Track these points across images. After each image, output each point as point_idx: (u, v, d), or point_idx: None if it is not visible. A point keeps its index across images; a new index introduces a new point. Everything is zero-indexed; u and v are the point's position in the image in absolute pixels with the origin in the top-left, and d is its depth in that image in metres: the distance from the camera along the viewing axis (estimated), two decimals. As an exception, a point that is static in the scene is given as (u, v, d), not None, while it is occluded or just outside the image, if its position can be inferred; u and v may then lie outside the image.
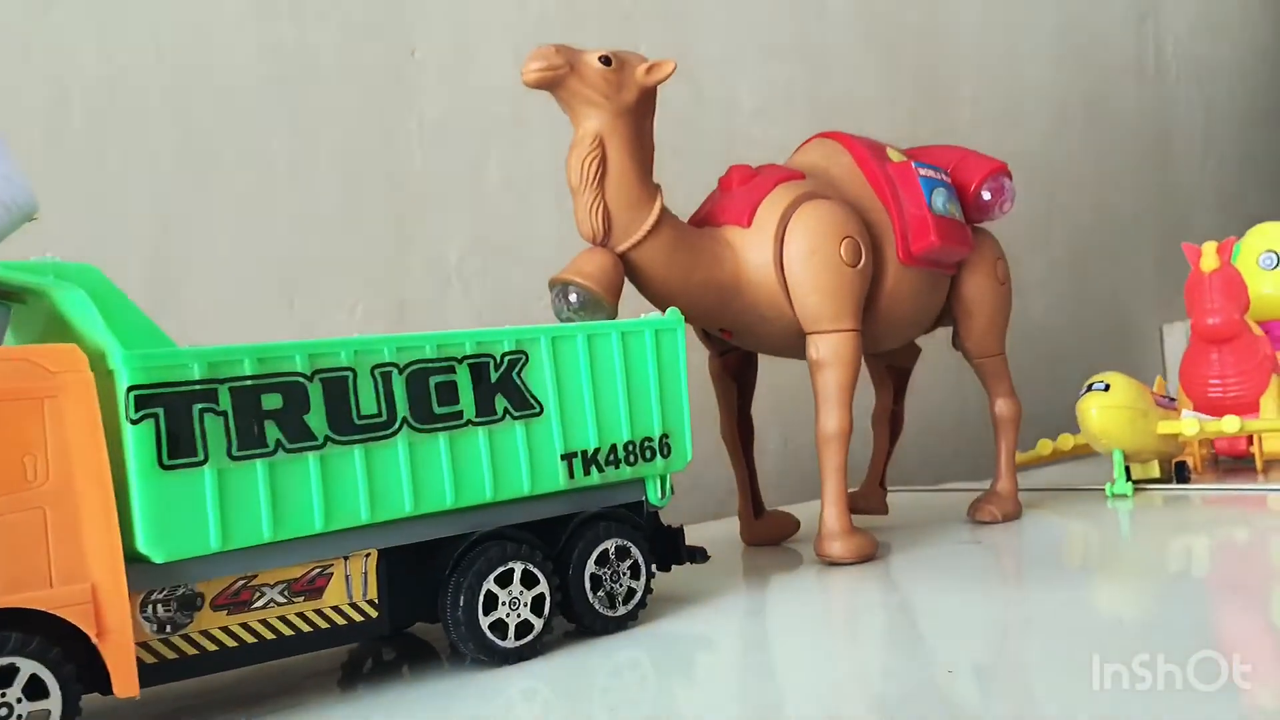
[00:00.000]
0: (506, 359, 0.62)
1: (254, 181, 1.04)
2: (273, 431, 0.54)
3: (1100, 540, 0.92)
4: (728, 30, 1.43)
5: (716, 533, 0.93)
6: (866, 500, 0.96)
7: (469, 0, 1.19)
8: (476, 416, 0.61)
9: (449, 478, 0.60)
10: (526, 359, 0.63)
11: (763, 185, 0.81)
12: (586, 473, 0.65)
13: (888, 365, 0.97)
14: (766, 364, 0.92)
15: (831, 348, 0.79)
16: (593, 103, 0.73)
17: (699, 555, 0.72)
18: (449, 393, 0.60)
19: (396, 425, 0.58)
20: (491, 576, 0.60)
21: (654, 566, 0.70)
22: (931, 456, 1.62)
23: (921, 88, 1.68)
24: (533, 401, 0.63)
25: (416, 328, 0.81)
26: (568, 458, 0.64)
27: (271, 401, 0.54)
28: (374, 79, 1.12)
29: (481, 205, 1.18)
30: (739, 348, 0.87)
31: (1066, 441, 1.11)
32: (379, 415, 0.57)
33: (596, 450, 0.66)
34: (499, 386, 0.62)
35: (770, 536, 0.92)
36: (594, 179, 0.73)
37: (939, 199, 0.85)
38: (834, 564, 0.80)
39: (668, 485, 0.70)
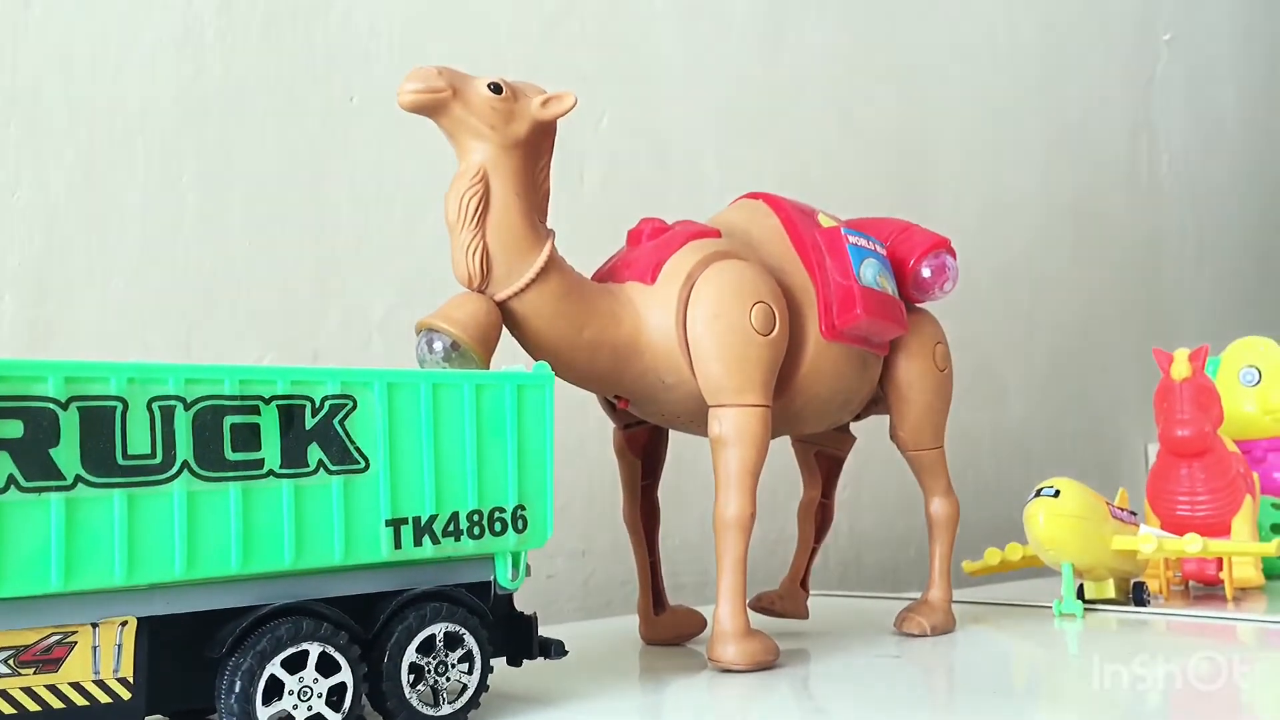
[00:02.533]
0: (328, 403, 0.53)
1: (158, 218, 0.96)
2: (4, 465, 0.44)
3: (1039, 664, 0.81)
4: (695, 97, 1.35)
5: (617, 628, 0.83)
6: (785, 602, 0.85)
7: (418, 49, 1.12)
8: (281, 467, 0.51)
9: (237, 538, 0.50)
10: (354, 405, 0.53)
11: (672, 241, 0.72)
12: (418, 543, 0.55)
13: (817, 452, 0.87)
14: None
15: (735, 424, 0.69)
16: (478, 133, 0.64)
17: (554, 649, 0.61)
18: (248, 437, 0.50)
19: (173, 470, 0.48)
20: (278, 659, 0.50)
21: (495, 660, 0.59)
22: (892, 562, 1.51)
23: (900, 173, 1.60)
24: (356, 455, 0.53)
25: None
26: (395, 524, 0.54)
27: (9, 429, 0.45)
28: (304, 121, 1.04)
29: (412, 260, 1.09)
30: (645, 421, 0.77)
31: (1015, 551, 1.00)
32: (151, 456, 0.48)
33: (433, 518, 0.55)
34: (315, 435, 0.52)
35: (671, 635, 0.81)
36: (474, 217, 0.64)
37: (869, 271, 0.75)
38: (726, 671, 0.69)
39: (522, 564, 0.59)
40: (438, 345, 0.63)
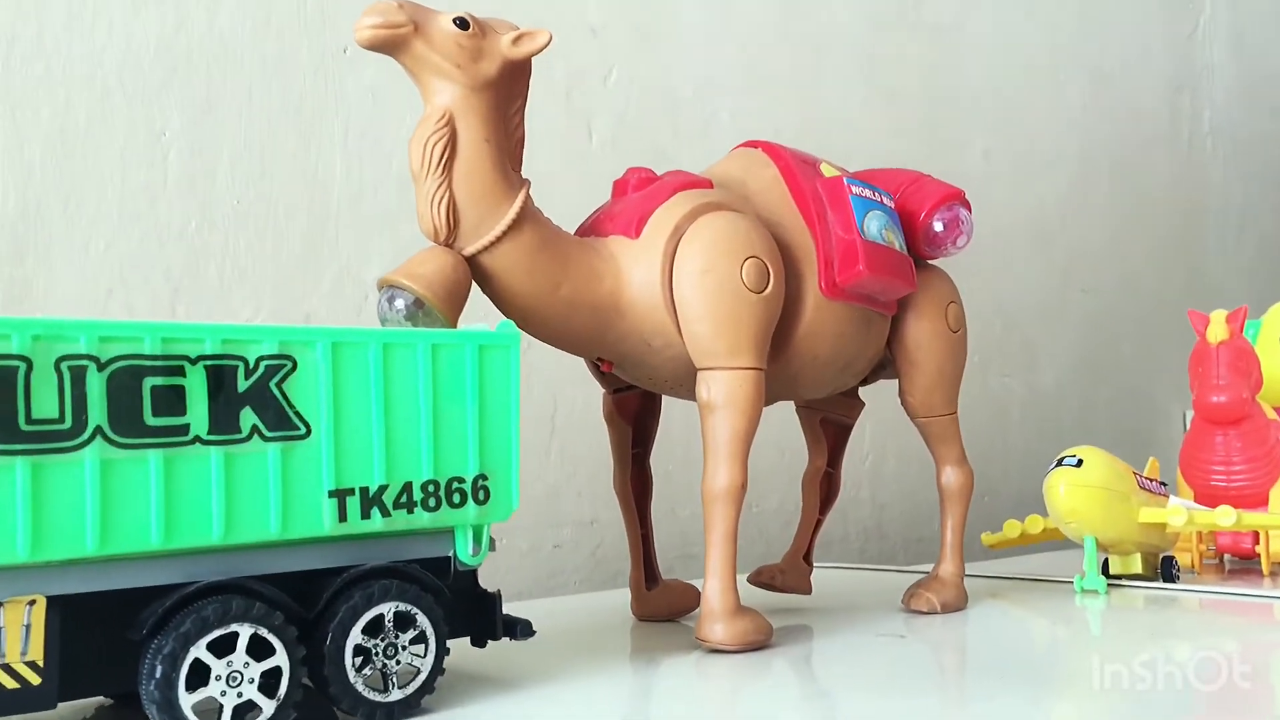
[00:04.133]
0: (263, 364, 0.48)
1: (138, 176, 0.91)
2: (-114, 430, 0.40)
3: (1055, 644, 0.75)
4: (710, 53, 1.29)
5: (622, 601, 0.78)
6: (787, 576, 0.80)
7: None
8: (209, 434, 0.46)
9: (159, 510, 0.45)
10: (293, 366, 0.49)
11: (659, 192, 0.66)
12: (365, 516, 0.50)
13: (822, 419, 0.82)
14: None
15: (725, 388, 0.64)
16: (443, 73, 0.59)
17: (520, 629, 0.56)
18: (171, 400, 0.46)
19: (85, 435, 0.44)
20: (203, 642, 0.46)
21: (452, 641, 0.54)
22: (916, 534, 1.46)
23: (928, 133, 1.53)
24: (296, 421, 0.49)
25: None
26: (339, 495, 0.50)
27: (-107, 391, 0.40)
28: (294, 74, 0.99)
29: (409, 219, 1.04)
30: (635, 385, 0.72)
31: (1036, 524, 0.94)
32: (59, 421, 0.43)
33: (383, 489, 0.51)
34: (249, 398, 0.48)
35: (665, 611, 0.76)
36: (439, 164, 0.59)
37: (874, 224, 0.70)
38: (715, 651, 0.64)
39: (485, 539, 0.55)
40: (399, 303, 0.58)
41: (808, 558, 0.82)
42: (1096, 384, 1.77)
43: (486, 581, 0.54)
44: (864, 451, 1.43)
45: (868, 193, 0.71)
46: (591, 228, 0.67)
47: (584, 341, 0.65)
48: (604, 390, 0.74)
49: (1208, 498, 0.99)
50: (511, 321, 0.56)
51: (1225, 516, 0.85)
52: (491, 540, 0.55)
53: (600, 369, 0.70)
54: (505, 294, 0.62)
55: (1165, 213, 1.92)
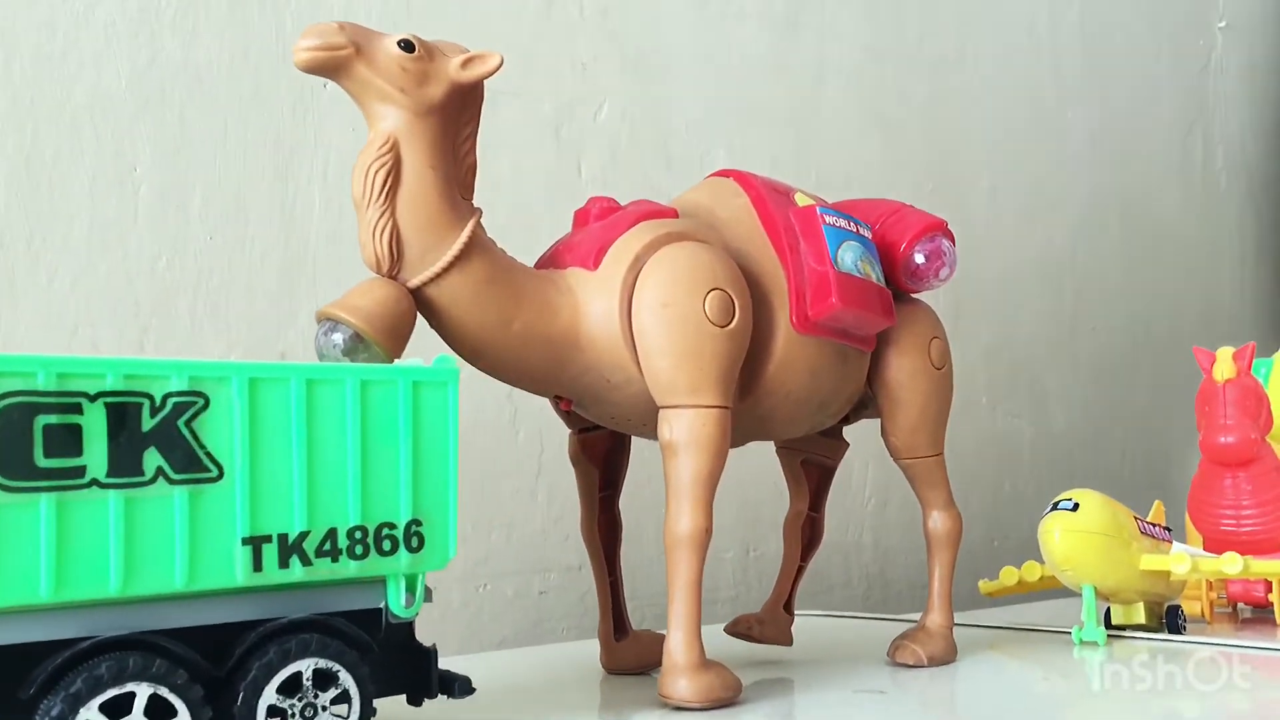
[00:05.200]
0: (171, 401, 0.45)
1: (108, 210, 0.89)
2: None
3: (1050, 700, 0.70)
4: (705, 86, 1.26)
5: (576, 656, 0.74)
6: (766, 627, 0.76)
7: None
8: (108, 476, 0.43)
9: (50, 559, 0.42)
10: (205, 404, 0.45)
11: (620, 222, 0.63)
12: (284, 565, 0.47)
13: (803, 460, 0.77)
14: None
15: (687, 427, 0.60)
16: (386, 97, 0.56)
17: (458, 687, 0.52)
18: (65, 439, 0.42)
19: (-35, 479, 0.40)
20: (95, 702, 0.42)
21: (387, 698, 0.51)
22: (922, 579, 1.41)
23: (932, 170, 1.49)
24: (207, 462, 0.45)
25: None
26: (254, 543, 0.46)
27: None
28: (272, 109, 0.96)
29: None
30: (602, 425, 0.68)
31: (1033, 571, 0.89)
32: (-63, 463, 0.40)
33: (304, 535, 0.47)
34: (154, 438, 0.44)
35: (634, 663, 0.72)
36: (381, 192, 0.56)
37: (849, 255, 0.66)
38: (679, 709, 0.60)
39: (419, 588, 0.51)
40: (337, 337, 0.54)
41: (789, 607, 0.77)
42: (1109, 425, 1.72)
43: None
44: (866, 495, 1.38)
45: (843, 223, 0.67)
46: (550, 259, 0.64)
47: (540, 378, 0.61)
48: (570, 430, 0.70)
49: (1217, 543, 0.94)
50: (450, 356, 0.52)
51: (1231, 564, 0.80)
52: (428, 590, 0.51)
53: (560, 408, 0.66)
54: (454, 328, 0.58)
55: (1178, 250, 1.87)
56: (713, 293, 0.61)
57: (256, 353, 0.94)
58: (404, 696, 0.52)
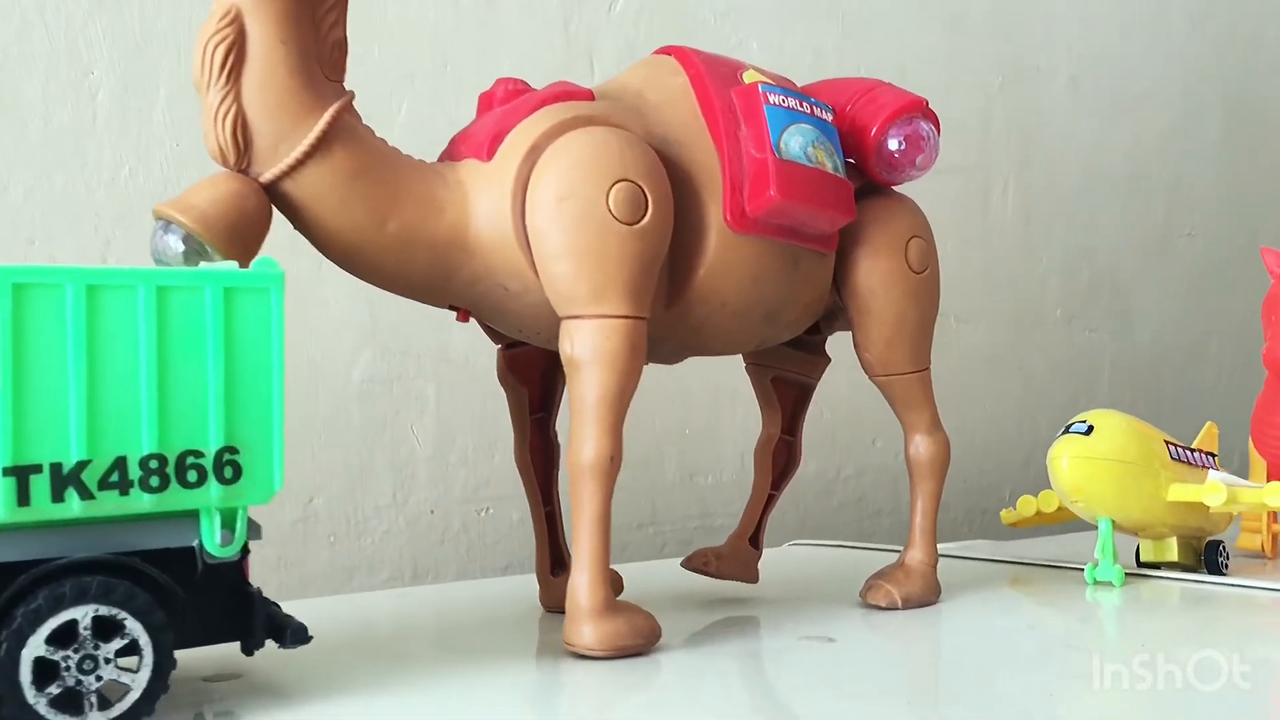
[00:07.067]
0: (-91, 312, 0.38)
1: (64, 116, 0.83)
2: None
3: (1033, 655, 0.58)
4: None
5: (515, 590, 0.67)
6: (725, 562, 0.67)
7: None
8: None
9: None
10: (-44, 314, 0.39)
11: (523, 106, 0.54)
12: (57, 499, 0.40)
13: (775, 378, 0.68)
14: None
15: (590, 341, 0.51)
16: (225, -40, 0.48)
17: (292, 635, 0.45)
18: None
19: None
20: None
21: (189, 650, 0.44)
22: (946, 507, 1.30)
23: (1002, 61, 1.35)
24: (-43, 381, 0.39)
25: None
26: (19, 473, 0.39)
27: None
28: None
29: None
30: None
31: (1050, 501, 0.77)
32: None
33: (83, 465, 0.40)
34: (-112, 353, 0.38)
35: (575, 600, 0.64)
36: (223, 72, 0.48)
37: (795, 140, 0.56)
38: (583, 657, 0.52)
39: (239, 525, 0.44)
40: (172, 240, 0.47)
41: (755, 540, 0.68)
42: (1203, 341, 1.57)
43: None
44: (887, 414, 1.28)
45: (792, 102, 0.57)
46: (448, 151, 0.55)
47: (426, 286, 0.54)
48: (497, 347, 0.62)
49: (1281, 470, 0.83)
50: (272, 259, 0.45)
51: (1275, 495, 0.69)
52: (254, 525, 0.45)
53: (460, 319, 0.58)
54: (319, 229, 0.51)
55: (1289, 148, 1.69)
56: (619, 184, 0.52)
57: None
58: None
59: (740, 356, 0.67)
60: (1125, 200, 1.51)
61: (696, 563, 0.66)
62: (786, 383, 0.68)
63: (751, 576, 0.68)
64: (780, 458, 0.69)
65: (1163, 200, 1.55)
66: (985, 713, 0.47)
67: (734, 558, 0.67)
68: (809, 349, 0.68)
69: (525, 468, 0.63)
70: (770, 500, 0.69)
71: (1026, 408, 1.40)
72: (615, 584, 0.66)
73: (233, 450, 0.43)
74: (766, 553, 0.69)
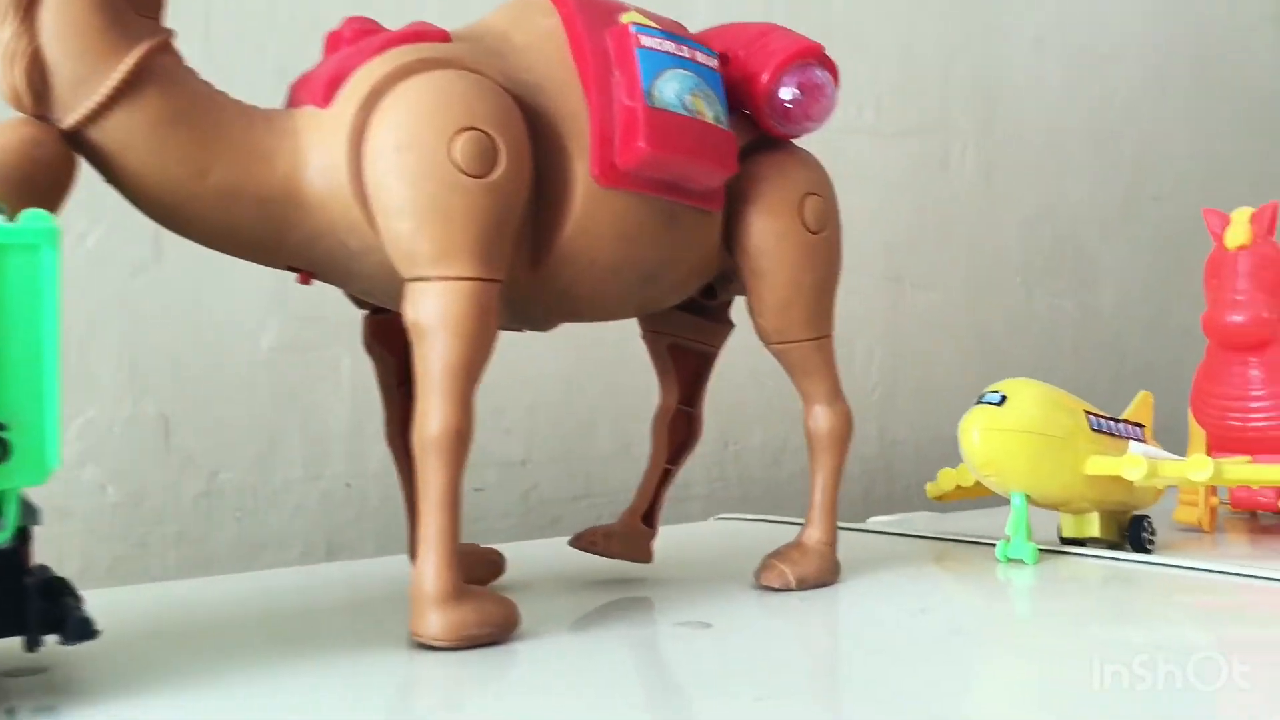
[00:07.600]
0: None
1: None
2: None
3: (924, 641, 0.53)
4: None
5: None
6: (616, 541, 0.63)
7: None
8: None
9: None
10: None
11: (368, 48, 0.49)
12: None
13: (671, 345, 0.64)
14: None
15: (434, 305, 0.47)
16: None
17: (72, 629, 0.41)
18: None
19: None
20: None
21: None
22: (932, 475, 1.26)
23: (967, 16, 1.30)
24: None
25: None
26: None
27: None
28: None
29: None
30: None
31: (968, 474, 0.73)
32: None
33: None
34: None
35: (452, 583, 0.60)
36: (15, 6, 0.43)
37: (671, 86, 0.51)
38: (428, 648, 0.48)
39: (12, 507, 0.39)
40: (-45, 193, 0.42)
41: (650, 518, 0.64)
42: (1167, 306, 1.52)
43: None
44: (871, 382, 1.23)
45: (669, 45, 0.52)
46: (288, 98, 0.50)
47: (258, 245, 0.49)
48: (362, 313, 0.58)
49: (1222, 440, 0.78)
50: (43, 213, 0.40)
51: (1199, 469, 0.64)
52: (33, 510, 0.40)
53: (300, 281, 0.53)
54: (129, 180, 0.46)
55: (1260, 109, 1.64)
56: (465, 133, 0.47)
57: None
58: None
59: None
60: (1090, 163, 1.46)
61: (584, 541, 0.62)
62: (685, 350, 0.64)
63: (644, 556, 0.63)
64: (679, 430, 0.65)
65: (1129, 163, 1.50)
66: (837, 699, 0.42)
67: (625, 536, 0.63)
68: (708, 315, 0.63)
69: (394, 443, 0.59)
70: (666, 475, 0.64)
71: (987, 372, 1.36)
72: (495, 564, 0.62)
73: (0, 426, 0.38)
74: (688, 527, 0.65)
